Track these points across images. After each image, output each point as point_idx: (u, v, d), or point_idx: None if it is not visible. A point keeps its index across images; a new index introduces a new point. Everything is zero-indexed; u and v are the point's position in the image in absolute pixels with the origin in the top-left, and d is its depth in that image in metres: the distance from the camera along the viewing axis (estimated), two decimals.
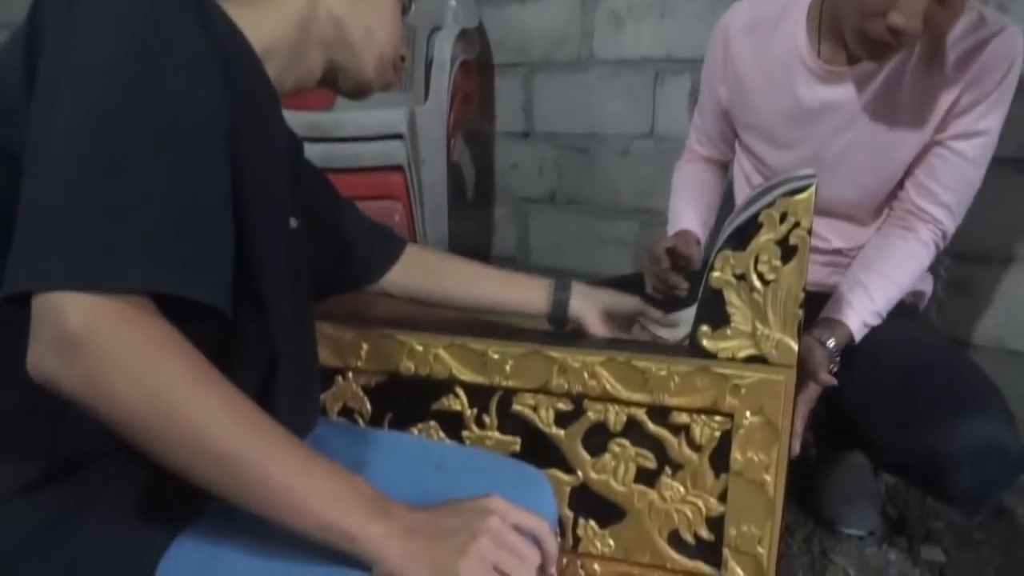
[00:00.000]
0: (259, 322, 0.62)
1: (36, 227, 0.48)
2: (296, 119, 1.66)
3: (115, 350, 0.46)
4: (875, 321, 1.07)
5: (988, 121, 1.04)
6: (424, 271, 1.02)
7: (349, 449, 0.78)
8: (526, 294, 1.01)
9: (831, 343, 1.03)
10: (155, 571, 0.55)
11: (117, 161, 0.49)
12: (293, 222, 0.73)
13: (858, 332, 1.06)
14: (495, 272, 1.04)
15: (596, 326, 1.01)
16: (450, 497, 0.66)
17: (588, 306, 1.00)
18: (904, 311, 1.21)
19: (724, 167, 1.41)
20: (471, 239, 2.21)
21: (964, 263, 1.50)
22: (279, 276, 0.65)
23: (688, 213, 1.32)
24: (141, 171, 0.49)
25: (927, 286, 1.26)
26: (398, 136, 1.69)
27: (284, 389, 0.66)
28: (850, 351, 1.06)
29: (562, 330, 1.03)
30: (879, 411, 1.00)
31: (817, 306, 1.10)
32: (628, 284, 1.26)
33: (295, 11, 0.71)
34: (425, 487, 0.74)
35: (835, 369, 1.02)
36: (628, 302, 1.03)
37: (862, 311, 1.05)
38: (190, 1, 0.54)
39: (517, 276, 1.05)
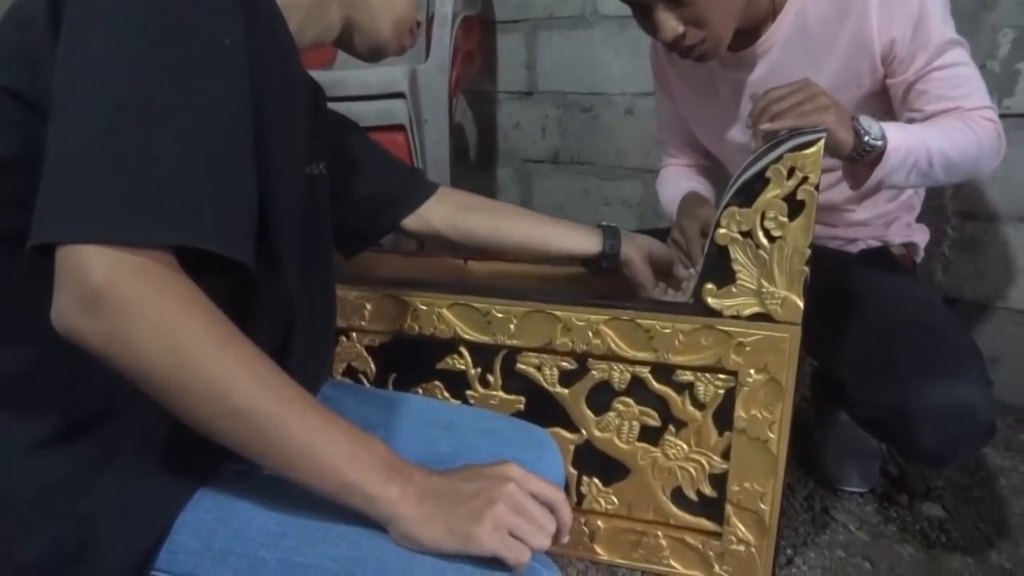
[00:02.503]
0: (275, 276, 0.62)
1: (61, 178, 0.47)
2: None
3: (138, 306, 0.46)
4: (913, 139, 0.95)
5: (932, 37, 0.99)
6: (469, 208, 1.01)
7: (358, 410, 0.78)
8: (578, 237, 1.02)
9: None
10: (172, 526, 0.56)
11: (143, 112, 0.48)
12: (315, 168, 0.73)
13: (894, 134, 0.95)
14: (542, 215, 1.04)
15: (641, 270, 1.03)
16: (460, 457, 0.67)
17: (635, 250, 1.02)
18: (896, 264, 1.20)
19: (705, 173, 1.36)
20: None
21: (970, 222, 1.49)
22: (294, 226, 0.64)
23: (686, 186, 1.28)
24: (166, 122, 0.48)
25: (921, 238, 1.23)
26: (399, 95, 1.66)
27: (299, 345, 0.66)
28: (835, 303, 1.04)
29: (598, 274, 1.05)
30: (857, 365, 1.00)
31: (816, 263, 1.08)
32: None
33: None
34: (435, 448, 0.75)
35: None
36: (665, 250, 1.06)
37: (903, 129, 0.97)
38: None
39: (563, 220, 1.04)
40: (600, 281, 1.08)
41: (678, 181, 1.32)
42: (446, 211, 0.99)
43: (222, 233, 0.50)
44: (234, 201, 0.51)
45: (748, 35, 1.08)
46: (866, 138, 0.91)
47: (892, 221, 1.20)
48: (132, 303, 0.46)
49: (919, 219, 1.26)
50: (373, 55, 0.79)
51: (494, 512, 0.53)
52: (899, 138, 0.93)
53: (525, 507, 0.54)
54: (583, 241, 1.02)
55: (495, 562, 0.53)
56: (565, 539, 0.58)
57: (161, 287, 0.47)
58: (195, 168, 0.49)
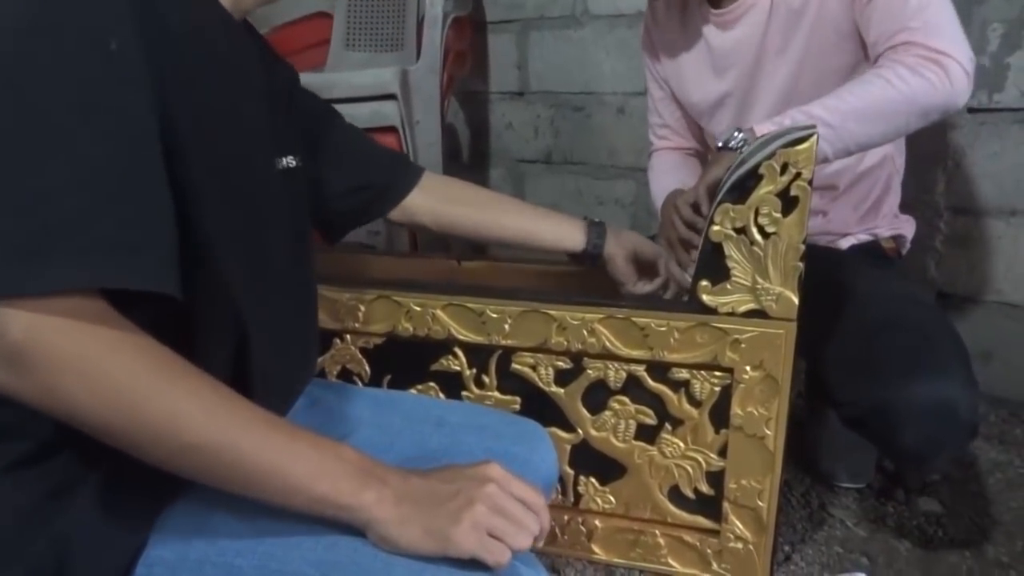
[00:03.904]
0: (220, 285, 0.58)
1: None
2: None
3: (63, 357, 0.44)
4: (820, 111, 0.95)
5: None
6: (451, 200, 0.99)
7: (346, 409, 0.77)
8: (561, 232, 1.01)
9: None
10: (147, 539, 0.55)
11: (25, 142, 0.44)
12: (289, 161, 0.70)
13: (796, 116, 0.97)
14: (529, 206, 1.03)
15: (622, 268, 1.02)
16: (451, 453, 0.65)
17: (619, 247, 1.01)
18: (883, 258, 1.20)
19: (696, 156, 1.36)
20: None
21: (963, 216, 1.49)
22: (257, 224, 0.62)
23: (673, 181, 1.26)
24: (54, 150, 0.44)
25: (908, 230, 1.23)
26: (391, 96, 1.66)
27: (259, 353, 0.62)
28: (821, 302, 1.03)
29: (583, 267, 1.05)
30: (841, 365, 0.99)
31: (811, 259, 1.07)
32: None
33: None
34: (425, 444, 0.73)
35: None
36: (652, 248, 1.04)
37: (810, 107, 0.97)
38: None
39: (552, 212, 1.03)
40: (595, 279, 1.07)
41: (666, 173, 1.31)
42: (429, 202, 0.98)
43: (135, 263, 0.46)
44: (144, 225, 0.47)
45: None
46: (724, 142, 0.98)
47: (879, 201, 1.20)
48: (55, 356, 0.44)
49: (908, 211, 1.26)
50: None
51: (472, 513, 0.52)
52: (770, 121, 0.96)
53: (505, 507, 0.53)
54: (566, 237, 1.01)
55: (476, 563, 0.52)
56: (540, 543, 0.57)
57: (82, 333, 0.45)
58: (94, 196, 0.45)
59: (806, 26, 1.08)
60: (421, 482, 0.54)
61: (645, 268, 1.05)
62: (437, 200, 0.98)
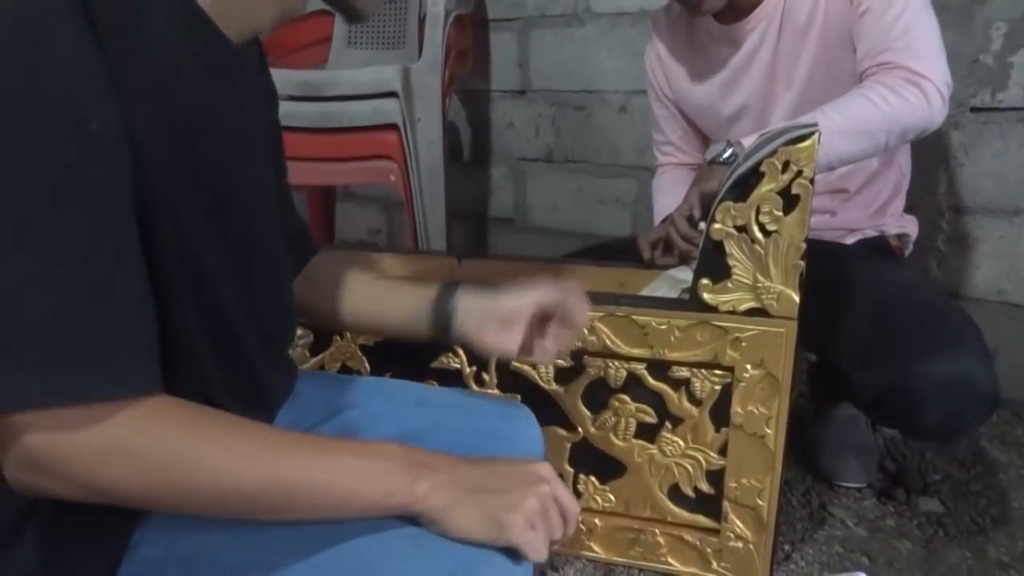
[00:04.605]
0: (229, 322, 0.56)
1: None
2: (289, 77, 1.62)
3: (92, 456, 0.45)
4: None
5: None
6: (317, 283, 0.80)
7: (329, 397, 0.76)
8: (406, 315, 0.76)
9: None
10: (132, 540, 0.54)
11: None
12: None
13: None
14: (384, 285, 0.80)
15: (490, 341, 0.72)
16: (434, 431, 0.67)
17: (476, 321, 0.72)
18: (888, 254, 1.22)
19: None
20: (467, 200, 2.18)
21: (965, 216, 1.49)
22: (267, 230, 0.61)
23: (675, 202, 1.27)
24: (20, 246, 0.42)
25: (912, 229, 1.26)
26: (392, 94, 1.66)
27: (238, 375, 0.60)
28: (833, 293, 1.05)
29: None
30: (857, 348, 1.00)
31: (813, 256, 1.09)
32: (623, 248, 1.26)
33: None
34: (407, 424, 0.72)
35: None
36: (529, 300, 0.71)
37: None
38: None
39: (403, 290, 0.79)
40: (596, 278, 1.07)
41: (670, 191, 1.33)
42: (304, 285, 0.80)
43: (113, 370, 0.45)
44: (124, 316, 0.46)
45: (743, 10, 1.13)
46: (714, 156, 0.99)
47: (887, 203, 1.22)
48: (80, 456, 0.44)
49: (910, 211, 1.28)
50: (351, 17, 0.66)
51: (528, 505, 0.53)
52: (757, 135, 0.97)
53: (549, 510, 0.55)
54: (410, 322, 0.76)
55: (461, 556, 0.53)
56: (556, 547, 0.59)
57: (101, 430, 0.44)
58: (67, 297, 0.43)
59: (814, 36, 1.10)
60: (471, 469, 0.56)
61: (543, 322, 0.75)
62: (310, 283, 0.80)
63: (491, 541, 0.53)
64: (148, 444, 0.46)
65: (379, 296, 0.79)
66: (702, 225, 1.01)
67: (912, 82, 0.98)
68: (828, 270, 1.06)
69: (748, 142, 0.98)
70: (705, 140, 1.36)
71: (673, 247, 1.10)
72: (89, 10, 0.44)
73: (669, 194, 1.32)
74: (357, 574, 0.52)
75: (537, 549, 0.53)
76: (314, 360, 1.05)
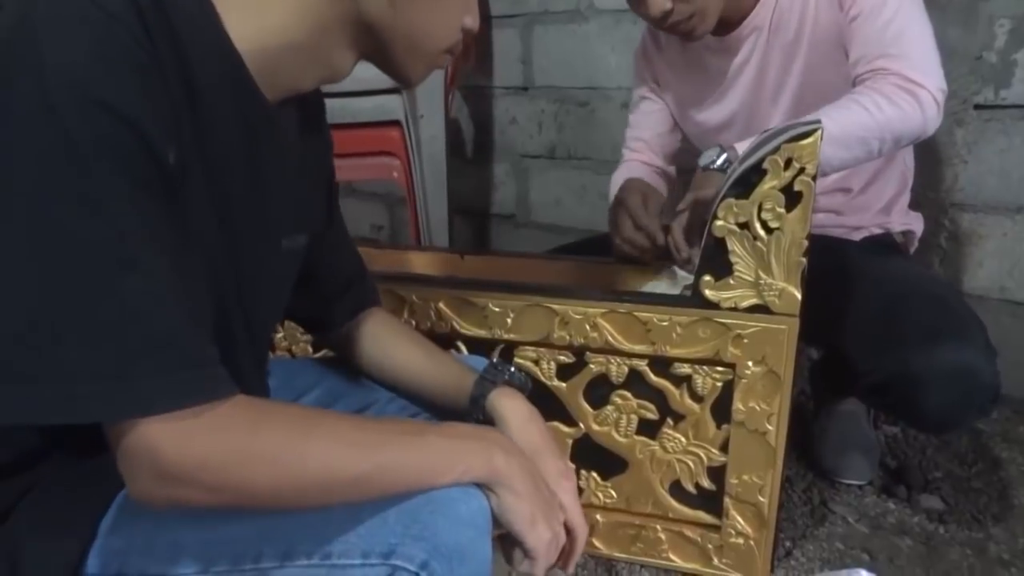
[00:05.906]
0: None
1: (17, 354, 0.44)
2: None
3: (219, 461, 0.47)
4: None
5: None
6: (380, 337, 0.81)
7: (293, 380, 0.79)
8: (449, 393, 0.77)
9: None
10: (96, 532, 0.55)
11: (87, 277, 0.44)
12: (293, 240, 0.67)
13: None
14: (435, 360, 0.80)
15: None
16: (395, 402, 0.74)
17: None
18: (893, 250, 1.22)
19: (662, 176, 1.34)
20: (470, 196, 2.18)
21: (967, 213, 1.48)
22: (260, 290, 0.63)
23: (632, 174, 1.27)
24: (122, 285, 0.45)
25: (917, 226, 1.26)
26: (395, 90, 1.66)
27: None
28: (839, 286, 1.05)
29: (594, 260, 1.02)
30: (863, 336, 1.01)
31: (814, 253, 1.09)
32: (599, 244, 1.26)
33: (311, 10, 0.55)
34: (371, 395, 0.78)
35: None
36: None
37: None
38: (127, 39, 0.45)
39: (448, 369, 0.78)
40: (598, 274, 1.07)
41: (625, 173, 1.31)
42: (358, 343, 0.81)
43: (215, 380, 0.49)
44: (208, 329, 0.51)
45: (733, 23, 1.13)
46: (707, 163, 1.00)
47: (892, 201, 1.23)
48: (213, 461, 0.47)
49: (916, 208, 1.28)
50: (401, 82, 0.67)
51: (555, 522, 0.59)
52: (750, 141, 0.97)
53: (560, 531, 0.61)
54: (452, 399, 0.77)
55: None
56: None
57: (220, 432, 0.48)
58: (176, 318, 0.47)
59: (805, 43, 1.10)
60: (515, 448, 0.61)
61: None
62: (370, 334, 0.81)
63: (519, 532, 0.57)
64: (262, 443, 0.49)
65: (417, 381, 0.79)
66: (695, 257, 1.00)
67: (907, 89, 0.97)
68: (836, 262, 1.08)
69: (741, 147, 0.98)
70: (679, 149, 1.35)
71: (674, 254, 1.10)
72: (158, 54, 0.47)
73: (626, 173, 1.29)
74: (310, 535, 0.54)
75: (544, 560, 0.58)
76: (317, 356, 1.05)
